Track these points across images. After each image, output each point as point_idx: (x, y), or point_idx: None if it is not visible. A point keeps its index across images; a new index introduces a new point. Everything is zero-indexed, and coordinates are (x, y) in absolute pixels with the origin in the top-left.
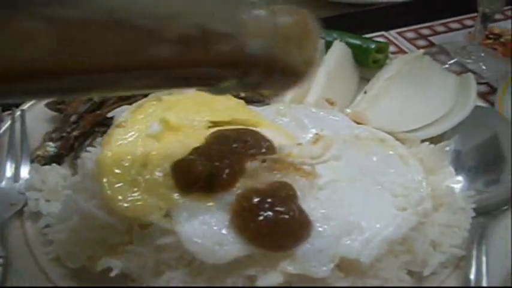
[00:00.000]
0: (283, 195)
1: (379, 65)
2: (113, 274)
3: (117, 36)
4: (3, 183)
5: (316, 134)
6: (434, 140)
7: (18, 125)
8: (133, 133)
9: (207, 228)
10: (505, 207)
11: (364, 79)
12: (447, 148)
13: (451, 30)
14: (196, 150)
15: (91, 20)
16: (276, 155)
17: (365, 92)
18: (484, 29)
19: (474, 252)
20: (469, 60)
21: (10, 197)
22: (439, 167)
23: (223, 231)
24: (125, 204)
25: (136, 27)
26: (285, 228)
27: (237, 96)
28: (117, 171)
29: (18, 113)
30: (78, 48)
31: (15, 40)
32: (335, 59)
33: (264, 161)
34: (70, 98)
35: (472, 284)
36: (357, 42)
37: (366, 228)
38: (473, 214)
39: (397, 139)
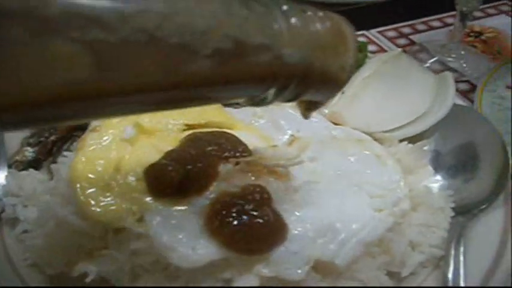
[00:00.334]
0: (257, 198)
1: (357, 64)
2: (88, 280)
3: (154, 55)
4: None
5: (292, 135)
6: (412, 139)
7: None
8: (107, 137)
9: (180, 232)
10: (484, 206)
11: None
12: (425, 147)
13: (432, 28)
14: (169, 154)
15: (128, 41)
16: (250, 158)
17: (343, 92)
18: (463, 27)
19: (452, 252)
20: (449, 59)
21: None
22: (417, 166)
23: (197, 235)
24: (98, 209)
25: (172, 45)
26: (259, 232)
27: None
28: (90, 176)
29: None
30: (116, 70)
31: (52, 64)
32: None
33: (237, 163)
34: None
35: (450, 283)
36: None
37: (342, 230)
38: (452, 213)
39: (375, 139)
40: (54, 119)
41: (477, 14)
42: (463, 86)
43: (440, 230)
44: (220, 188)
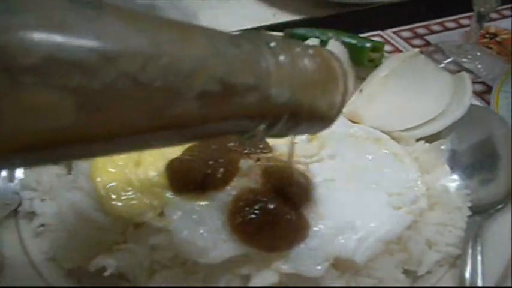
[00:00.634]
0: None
1: (374, 64)
2: (107, 273)
3: (138, 99)
4: None
5: None
6: (429, 138)
7: None
8: None
9: (201, 227)
10: (501, 206)
11: (360, 78)
12: (442, 147)
13: (447, 29)
14: (190, 149)
15: (111, 86)
16: (270, 154)
17: (360, 91)
18: (479, 28)
19: (469, 251)
20: (465, 60)
21: (4, 197)
22: (434, 165)
23: (218, 231)
24: (119, 204)
25: (156, 88)
26: (282, 230)
27: None
28: (110, 170)
29: None
30: (100, 115)
31: (35, 113)
32: None
33: (258, 159)
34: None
35: (468, 283)
36: (352, 41)
37: (361, 227)
38: (469, 213)
39: (393, 138)
40: (41, 162)
41: (492, 15)
42: (479, 87)
43: (457, 229)
44: (241, 183)
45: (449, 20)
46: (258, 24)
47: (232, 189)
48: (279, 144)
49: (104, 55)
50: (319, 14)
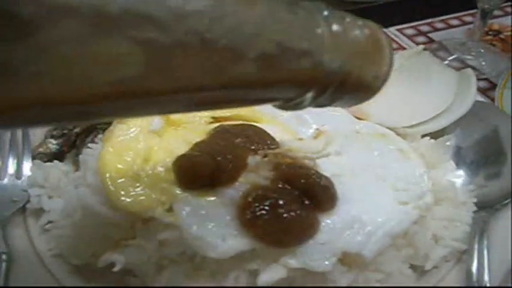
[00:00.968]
0: (295, 192)
1: None
2: (116, 269)
3: (203, 57)
4: (6, 180)
5: (317, 129)
6: (435, 134)
7: None
8: (134, 129)
9: (210, 222)
10: (506, 201)
11: None
12: (448, 143)
13: (451, 26)
14: (198, 145)
15: (180, 42)
16: (278, 150)
17: None
18: (483, 25)
19: (476, 246)
20: (468, 57)
21: (12, 194)
22: (440, 161)
23: (226, 226)
24: (128, 199)
25: (221, 47)
26: (292, 226)
27: None
28: (119, 166)
29: None
30: (166, 70)
31: (106, 62)
32: None
33: (265, 155)
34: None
35: (474, 278)
36: None
37: (368, 222)
38: (475, 208)
39: (398, 134)
40: (98, 115)
41: (496, 12)
42: (482, 84)
43: (463, 224)
44: (249, 179)
45: (453, 18)
46: None
47: (241, 185)
48: (286, 141)
49: (175, 12)
50: None
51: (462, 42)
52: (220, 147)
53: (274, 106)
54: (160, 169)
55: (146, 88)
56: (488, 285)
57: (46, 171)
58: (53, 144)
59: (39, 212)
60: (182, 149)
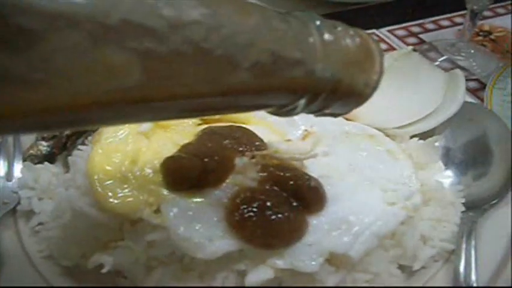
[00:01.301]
0: (283, 194)
1: None
2: (104, 270)
3: (199, 66)
4: None
5: (306, 130)
6: (423, 135)
7: None
8: (123, 131)
9: (197, 223)
10: (494, 202)
11: None
12: (436, 143)
13: (442, 27)
14: (186, 147)
15: (177, 51)
16: (265, 151)
17: None
18: (473, 26)
19: (463, 246)
20: (459, 57)
21: (3, 196)
22: (428, 162)
23: (213, 227)
24: (115, 201)
25: (217, 56)
26: (280, 228)
27: None
28: (107, 168)
29: None
30: (162, 79)
31: (105, 72)
32: None
33: (253, 157)
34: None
35: (462, 277)
36: None
37: (355, 223)
38: (463, 208)
39: (387, 135)
40: (93, 122)
41: (486, 13)
42: (472, 85)
43: (451, 224)
44: (236, 181)
45: (444, 18)
46: None
47: (228, 186)
48: (274, 142)
49: (171, 22)
50: None
51: (452, 43)
52: (208, 148)
53: (268, 112)
54: (148, 171)
55: (144, 96)
56: (475, 285)
57: (36, 173)
58: (43, 146)
59: (30, 213)
60: (170, 150)
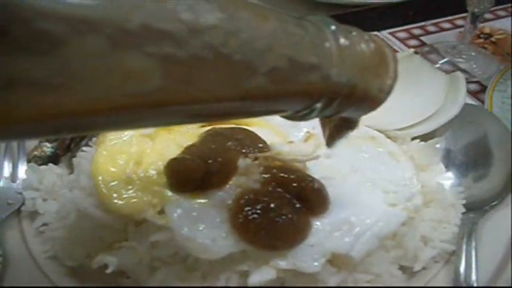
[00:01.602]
0: (287, 195)
1: None
2: (108, 271)
3: (218, 71)
4: (1, 183)
5: (308, 132)
6: (424, 137)
7: None
8: (127, 133)
9: (200, 224)
10: (495, 203)
11: None
12: (437, 145)
13: (443, 30)
14: (190, 148)
15: (197, 56)
16: (268, 153)
17: None
18: (473, 29)
19: (464, 247)
20: (460, 60)
21: (8, 197)
22: (429, 163)
23: (216, 228)
24: (120, 202)
25: (235, 62)
26: (283, 230)
27: None
28: (112, 169)
29: None
30: (181, 84)
31: (124, 77)
32: None
33: (255, 158)
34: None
35: (462, 278)
36: None
37: (357, 224)
38: (463, 210)
39: (388, 137)
40: (110, 126)
41: (487, 16)
42: (473, 87)
43: (451, 225)
44: (239, 182)
45: (445, 21)
46: None
47: (231, 187)
48: (276, 144)
49: (191, 27)
50: None
51: (453, 45)
52: (211, 150)
53: (283, 117)
54: (153, 172)
55: (163, 101)
56: (475, 285)
57: (41, 174)
58: (48, 148)
59: (34, 214)
60: (174, 152)
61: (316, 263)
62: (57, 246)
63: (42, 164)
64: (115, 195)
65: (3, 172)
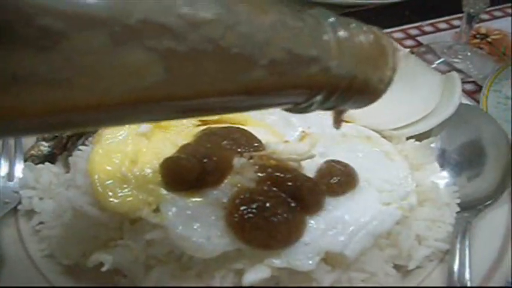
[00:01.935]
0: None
1: None
2: (104, 269)
3: (217, 64)
4: None
5: (303, 131)
6: (420, 137)
7: None
8: (123, 132)
9: (195, 223)
10: (489, 202)
11: None
12: (432, 145)
13: (439, 30)
14: (185, 147)
15: (195, 50)
16: (263, 152)
17: None
18: (469, 29)
19: (458, 246)
20: (456, 60)
21: (4, 196)
22: (424, 163)
23: (211, 226)
24: (115, 200)
25: (234, 54)
26: (279, 229)
27: None
28: (107, 168)
29: None
30: (182, 78)
31: (126, 72)
32: None
33: (251, 158)
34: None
35: (456, 276)
36: None
37: (351, 222)
38: (458, 209)
39: (383, 136)
40: (113, 121)
41: (483, 16)
42: (469, 87)
43: (446, 224)
44: (234, 181)
45: (441, 21)
46: None
47: (226, 186)
48: (272, 143)
49: (190, 21)
50: None
51: (449, 45)
52: (206, 149)
53: (284, 110)
54: (148, 171)
55: (166, 95)
56: (469, 284)
57: (37, 173)
58: (44, 147)
59: (31, 213)
60: (169, 151)
61: (310, 262)
62: (53, 245)
63: (39, 163)
64: (111, 193)
65: (0, 171)
